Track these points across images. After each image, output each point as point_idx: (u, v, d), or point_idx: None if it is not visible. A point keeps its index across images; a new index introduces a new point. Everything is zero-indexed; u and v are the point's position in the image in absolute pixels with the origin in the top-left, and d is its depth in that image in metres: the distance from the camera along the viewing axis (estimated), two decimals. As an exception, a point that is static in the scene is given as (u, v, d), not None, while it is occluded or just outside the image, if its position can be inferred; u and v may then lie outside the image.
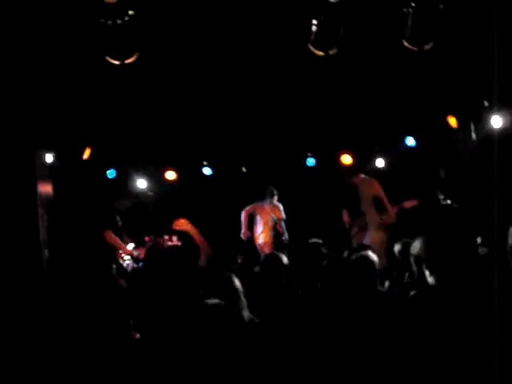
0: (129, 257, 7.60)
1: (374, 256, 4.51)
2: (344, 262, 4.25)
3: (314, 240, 6.53)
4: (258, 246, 9.87)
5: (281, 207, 9.92)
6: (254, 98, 8.52)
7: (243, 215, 9.85)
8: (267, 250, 9.11)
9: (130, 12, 5.01)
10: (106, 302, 4.56)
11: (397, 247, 5.36)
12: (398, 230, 8.34)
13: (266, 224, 9.76)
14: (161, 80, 7.56)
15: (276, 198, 9.88)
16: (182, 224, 7.71)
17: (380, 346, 3.50)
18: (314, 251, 5.34)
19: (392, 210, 8.58)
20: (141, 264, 7.98)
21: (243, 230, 9.85)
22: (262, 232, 9.82)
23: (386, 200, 8.58)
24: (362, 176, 8.98)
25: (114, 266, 7.30)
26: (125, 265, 7.43)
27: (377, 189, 8.67)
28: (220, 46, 6.71)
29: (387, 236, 8.05)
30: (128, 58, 5.26)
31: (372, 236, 8.21)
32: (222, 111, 8.82)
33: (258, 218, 9.87)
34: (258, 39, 6.69)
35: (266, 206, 9.83)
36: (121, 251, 7.48)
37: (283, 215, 9.90)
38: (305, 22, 5.59)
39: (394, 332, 3.45)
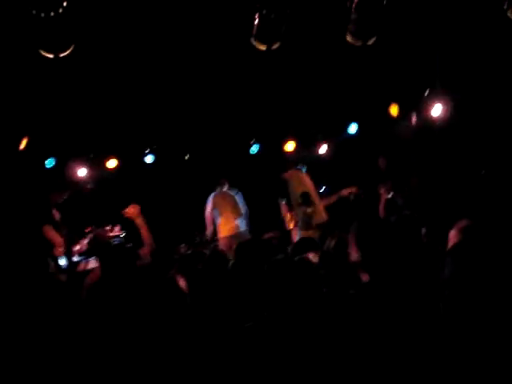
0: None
1: (313, 258, 4.50)
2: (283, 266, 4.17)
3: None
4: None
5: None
6: (197, 86, 8.38)
7: (208, 216, 9.34)
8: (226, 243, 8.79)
9: (64, 3, 4.77)
10: (45, 298, 4.40)
11: (332, 243, 5.20)
12: (332, 223, 8.46)
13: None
14: (101, 67, 7.33)
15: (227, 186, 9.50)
16: (132, 212, 7.49)
17: (324, 347, 3.47)
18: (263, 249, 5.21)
19: (321, 207, 8.57)
20: (83, 258, 7.79)
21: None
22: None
23: (314, 195, 8.57)
24: (292, 170, 8.92)
25: (53, 263, 7.12)
26: (63, 262, 7.21)
27: (305, 184, 8.64)
28: (161, 35, 6.55)
29: (317, 234, 8.10)
30: (63, 51, 5.03)
31: (302, 235, 8.22)
32: (165, 98, 8.64)
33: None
34: (201, 29, 6.56)
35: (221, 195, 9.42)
36: (58, 247, 7.24)
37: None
38: (248, 16, 5.48)
39: (338, 332, 3.43)
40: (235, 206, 9.15)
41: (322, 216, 8.43)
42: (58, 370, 3.62)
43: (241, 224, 9.11)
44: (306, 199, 8.32)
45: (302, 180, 8.67)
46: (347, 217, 9.05)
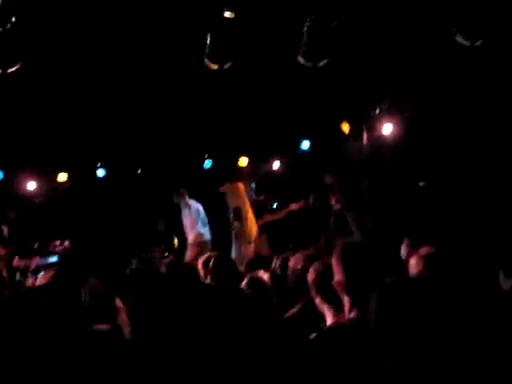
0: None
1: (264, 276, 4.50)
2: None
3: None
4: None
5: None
6: (151, 101, 8.35)
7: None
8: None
9: (13, 19, 4.69)
10: None
11: (277, 262, 5.13)
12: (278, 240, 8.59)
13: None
14: (51, 79, 7.23)
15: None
16: None
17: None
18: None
19: (252, 221, 8.66)
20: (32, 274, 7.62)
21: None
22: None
23: (246, 210, 8.66)
24: (228, 183, 8.98)
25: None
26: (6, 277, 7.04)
27: (238, 198, 8.73)
28: (113, 50, 6.51)
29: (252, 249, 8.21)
30: (10, 67, 4.94)
31: (244, 249, 8.27)
32: (118, 112, 8.57)
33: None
34: (155, 44, 6.55)
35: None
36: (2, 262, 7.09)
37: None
38: (200, 36, 5.49)
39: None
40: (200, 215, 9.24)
41: (252, 231, 8.53)
42: None
43: (205, 233, 9.15)
44: (236, 214, 8.44)
45: (236, 193, 8.75)
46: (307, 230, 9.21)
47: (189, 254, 8.94)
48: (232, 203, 8.67)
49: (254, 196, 9.21)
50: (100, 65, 6.76)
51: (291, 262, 4.18)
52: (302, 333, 3.46)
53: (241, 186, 8.88)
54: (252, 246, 8.36)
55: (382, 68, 7.51)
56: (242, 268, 5.11)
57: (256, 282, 4.34)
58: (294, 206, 8.87)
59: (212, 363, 3.10)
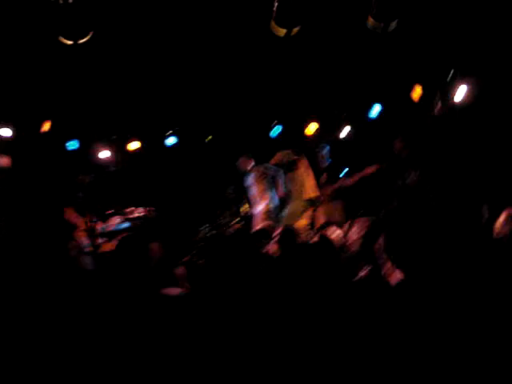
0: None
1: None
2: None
3: None
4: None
5: None
6: (218, 68, 8.35)
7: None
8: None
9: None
10: (65, 282, 4.44)
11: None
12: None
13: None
14: (120, 52, 7.34)
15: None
16: None
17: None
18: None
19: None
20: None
21: None
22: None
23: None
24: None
25: (74, 245, 7.18)
26: (85, 243, 7.27)
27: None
28: (180, 17, 6.52)
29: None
30: (81, 38, 5.04)
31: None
32: (186, 80, 8.63)
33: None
34: (220, 11, 6.53)
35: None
36: (81, 229, 7.31)
37: None
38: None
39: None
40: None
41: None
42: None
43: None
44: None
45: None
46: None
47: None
48: None
49: (327, 161, 9.08)
50: (168, 32, 6.80)
51: (353, 229, 4.15)
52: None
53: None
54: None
55: (458, 31, 7.21)
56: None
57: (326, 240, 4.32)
58: (368, 170, 8.70)
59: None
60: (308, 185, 8.51)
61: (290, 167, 8.47)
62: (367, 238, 3.63)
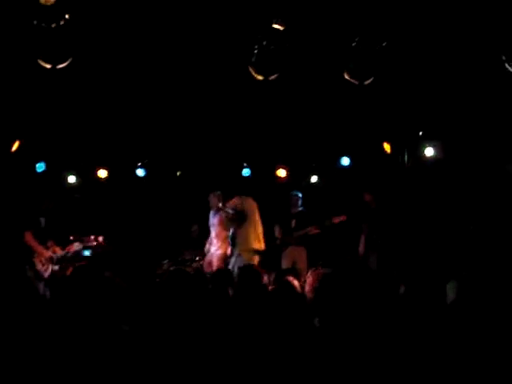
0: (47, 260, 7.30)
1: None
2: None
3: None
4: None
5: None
6: (193, 106, 8.42)
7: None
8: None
9: (67, 16, 4.79)
10: (19, 305, 4.32)
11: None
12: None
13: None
14: (98, 78, 7.36)
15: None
16: None
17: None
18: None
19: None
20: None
21: None
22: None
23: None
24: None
25: (31, 270, 7.06)
26: (42, 270, 7.15)
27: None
28: (158, 54, 6.58)
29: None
30: (60, 62, 5.05)
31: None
32: (160, 114, 8.67)
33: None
34: (201, 50, 6.60)
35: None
36: (39, 255, 7.19)
37: None
38: (248, 45, 5.51)
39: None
40: None
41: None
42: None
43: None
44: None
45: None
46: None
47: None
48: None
49: (298, 206, 9.15)
50: (145, 67, 6.85)
51: (309, 279, 4.22)
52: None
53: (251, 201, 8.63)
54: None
55: (427, 91, 7.43)
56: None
57: (288, 286, 4.31)
58: (335, 220, 8.80)
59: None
60: (253, 236, 8.39)
61: (241, 215, 8.34)
62: (320, 290, 3.68)
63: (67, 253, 7.85)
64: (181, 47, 6.26)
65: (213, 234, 8.69)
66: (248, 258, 8.00)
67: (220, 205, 8.51)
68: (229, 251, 8.52)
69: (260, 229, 8.32)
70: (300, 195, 9.18)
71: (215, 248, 8.64)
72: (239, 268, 5.27)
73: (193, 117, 8.75)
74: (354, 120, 8.57)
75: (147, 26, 5.67)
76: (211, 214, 8.76)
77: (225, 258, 8.50)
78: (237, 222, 8.25)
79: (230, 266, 8.07)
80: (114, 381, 3.29)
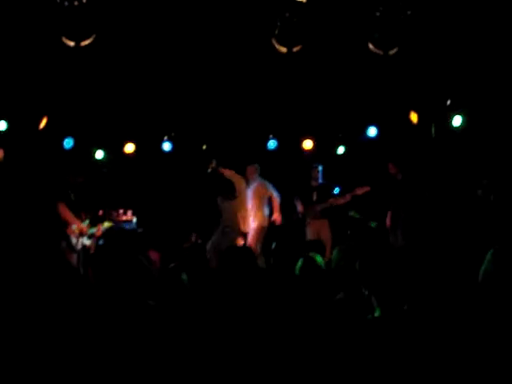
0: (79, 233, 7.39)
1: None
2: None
3: None
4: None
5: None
6: (218, 78, 8.40)
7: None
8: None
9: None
10: (52, 275, 4.41)
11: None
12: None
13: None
14: (122, 53, 7.38)
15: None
16: None
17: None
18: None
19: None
20: (100, 241, 7.86)
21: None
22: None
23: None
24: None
25: (64, 242, 7.17)
26: (74, 241, 7.25)
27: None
28: (184, 26, 6.56)
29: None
30: (84, 40, 5.07)
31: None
32: (187, 88, 8.68)
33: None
34: (224, 24, 6.57)
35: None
36: (73, 226, 7.28)
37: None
38: (271, 18, 5.46)
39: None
40: None
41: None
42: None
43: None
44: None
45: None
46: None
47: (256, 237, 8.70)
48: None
49: (320, 179, 9.13)
50: (170, 40, 6.85)
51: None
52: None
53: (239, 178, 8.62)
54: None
55: (454, 60, 7.30)
56: None
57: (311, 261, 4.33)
58: (358, 191, 8.76)
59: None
60: (240, 216, 8.47)
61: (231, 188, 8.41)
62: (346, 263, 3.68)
63: (98, 228, 7.94)
64: (205, 21, 6.24)
65: (249, 206, 8.72)
66: (232, 238, 8.08)
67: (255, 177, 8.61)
68: (265, 223, 8.62)
69: (246, 212, 8.42)
70: (320, 168, 9.16)
71: (251, 220, 8.71)
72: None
73: (218, 90, 8.74)
74: (380, 90, 8.45)
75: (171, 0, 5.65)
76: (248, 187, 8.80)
77: (261, 229, 8.61)
78: (225, 194, 8.31)
79: (211, 240, 8.17)
80: (139, 354, 3.35)
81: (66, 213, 7.36)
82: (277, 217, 8.79)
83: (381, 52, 5.57)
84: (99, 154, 9.77)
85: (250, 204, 8.74)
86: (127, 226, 9.24)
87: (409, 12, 5.33)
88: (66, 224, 7.37)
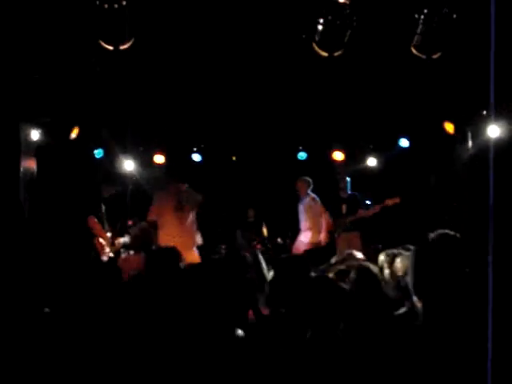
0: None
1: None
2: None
3: None
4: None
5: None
6: (249, 89, 8.32)
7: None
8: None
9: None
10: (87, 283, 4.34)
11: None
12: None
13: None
14: (155, 63, 7.32)
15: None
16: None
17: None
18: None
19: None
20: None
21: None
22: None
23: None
24: None
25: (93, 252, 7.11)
26: (101, 253, 7.18)
27: None
28: (218, 36, 6.48)
29: None
30: (122, 43, 5.00)
31: None
32: (217, 98, 8.60)
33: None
34: (260, 30, 6.48)
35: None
36: (101, 240, 7.22)
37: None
38: (311, 21, 5.35)
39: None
40: None
41: None
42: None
43: None
44: None
45: None
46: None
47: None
48: None
49: (348, 191, 9.01)
50: (204, 48, 6.77)
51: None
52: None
53: None
54: None
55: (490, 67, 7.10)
56: None
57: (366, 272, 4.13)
58: (388, 202, 8.58)
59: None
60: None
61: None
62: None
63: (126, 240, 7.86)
64: (242, 28, 6.15)
65: (301, 221, 8.70)
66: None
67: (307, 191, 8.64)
68: (317, 239, 8.49)
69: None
70: (348, 179, 9.04)
71: (303, 236, 8.64)
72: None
73: (248, 101, 8.66)
74: (413, 99, 8.29)
75: (208, 5, 5.56)
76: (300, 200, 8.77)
77: (311, 247, 8.47)
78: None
79: None
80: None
81: (96, 226, 7.32)
82: (324, 237, 8.64)
83: (423, 56, 5.42)
84: (129, 165, 9.70)
85: (302, 220, 8.66)
86: None
87: (454, 15, 5.18)
88: (93, 236, 7.32)
